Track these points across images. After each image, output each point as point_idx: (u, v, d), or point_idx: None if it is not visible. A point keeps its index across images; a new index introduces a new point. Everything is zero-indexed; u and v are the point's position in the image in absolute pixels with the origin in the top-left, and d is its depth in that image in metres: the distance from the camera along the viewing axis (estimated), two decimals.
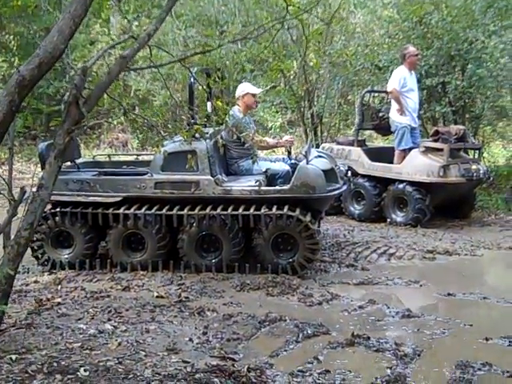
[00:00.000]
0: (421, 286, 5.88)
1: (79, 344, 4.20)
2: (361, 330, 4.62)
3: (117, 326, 4.65)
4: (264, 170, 6.49)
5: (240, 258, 6.27)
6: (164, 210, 6.19)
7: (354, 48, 11.11)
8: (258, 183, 6.14)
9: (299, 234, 6.10)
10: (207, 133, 6.38)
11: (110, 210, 6.26)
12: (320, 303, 5.37)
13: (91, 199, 6.30)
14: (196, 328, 4.68)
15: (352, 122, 12.80)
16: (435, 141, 8.42)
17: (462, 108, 10.52)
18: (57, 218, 6.38)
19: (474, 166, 8.30)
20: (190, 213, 6.15)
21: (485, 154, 11.08)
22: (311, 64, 11.38)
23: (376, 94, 9.98)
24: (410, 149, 8.55)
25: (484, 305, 5.39)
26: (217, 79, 6.06)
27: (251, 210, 6.08)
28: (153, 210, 6.21)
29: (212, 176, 6.20)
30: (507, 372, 3.93)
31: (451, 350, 4.34)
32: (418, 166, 8.29)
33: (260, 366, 3.95)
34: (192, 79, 6.31)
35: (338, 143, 9.52)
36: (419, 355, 4.22)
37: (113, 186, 6.32)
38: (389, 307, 5.22)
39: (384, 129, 9.35)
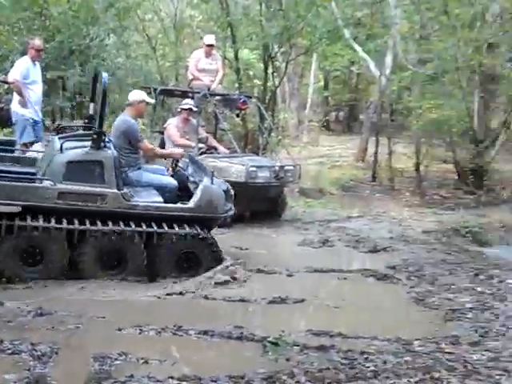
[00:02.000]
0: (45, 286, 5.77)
1: None
2: None
3: None
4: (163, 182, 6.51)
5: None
6: (65, 224, 5.75)
7: None
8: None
9: (203, 251, 6.13)
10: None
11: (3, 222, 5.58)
12: None
13: None
14: None
15: None
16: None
17: (82, 103, 10.74)
18: None
19: None
20: (93, 228, 5.81)
21: None
22: None
23: None
24: (33, 143, 8.37)
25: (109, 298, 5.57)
26: None
27: (154, 227, 5.99)
28: (52, 223, 5.70)
29: (118, 189, 5.89)
30: (142, 358, 4.18)
31: (87, 344, 4.45)
32: None
33: None
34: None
35: None
36: (57, 353, 4.19)
37: (10, 193, 5.60)
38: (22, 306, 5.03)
39: (2, 120, 8.98)
